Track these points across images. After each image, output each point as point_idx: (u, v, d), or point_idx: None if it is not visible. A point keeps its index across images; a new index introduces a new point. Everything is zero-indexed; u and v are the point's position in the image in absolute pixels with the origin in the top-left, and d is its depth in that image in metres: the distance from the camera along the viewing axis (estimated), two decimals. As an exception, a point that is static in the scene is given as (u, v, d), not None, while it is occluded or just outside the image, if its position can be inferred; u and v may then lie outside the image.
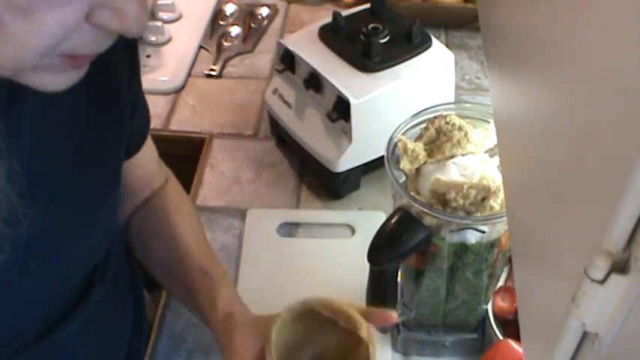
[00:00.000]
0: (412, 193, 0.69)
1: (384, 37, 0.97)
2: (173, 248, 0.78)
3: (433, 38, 0.99)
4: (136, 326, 0.85)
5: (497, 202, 0.66)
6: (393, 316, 0.69)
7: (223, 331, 0.70)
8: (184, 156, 1.08)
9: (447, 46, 1.01)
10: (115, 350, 0.80)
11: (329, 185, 1.01)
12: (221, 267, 0.77)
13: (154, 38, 1.29)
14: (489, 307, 0.81)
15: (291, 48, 0.98)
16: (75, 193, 0.62)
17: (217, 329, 0.71)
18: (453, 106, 0.78)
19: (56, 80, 0.46)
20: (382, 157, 0.72)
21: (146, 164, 0.80)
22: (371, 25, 0.98)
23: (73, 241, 0.64)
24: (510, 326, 0.80)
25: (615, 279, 0.26)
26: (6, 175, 0.48)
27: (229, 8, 1.39)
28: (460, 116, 0.74)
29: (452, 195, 0.67)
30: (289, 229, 0.99)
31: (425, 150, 0.73)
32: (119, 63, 0.65)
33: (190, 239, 0.79)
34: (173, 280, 0.79)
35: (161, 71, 1.23)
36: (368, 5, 1.03)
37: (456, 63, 1.00)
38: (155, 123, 1.13)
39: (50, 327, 0.67)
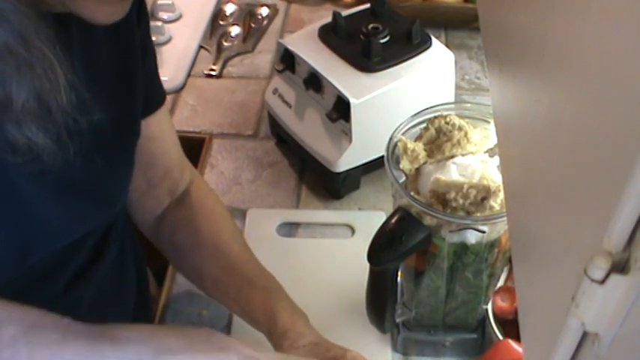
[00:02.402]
0: (412, 193, 0.69)
1: (384, 37, 0.97)
2: (218, 261, 0.78)
3: (433, 38, 0.99)
4: (140, 295, 0.86)
5: (497, 202, 0.66)
6: None
7: (279, 351, 0.69)
8: (184, 156, 1.08)
9: (447, 46, 1.01)
10: (122, 312, 0.81)
11: (329, 185, 1.01)
12: (271, 276, 0.77)
13: (154, 38, 1.28)
14: (489, 307, 0.81)
15: (291, 48, 0.98)
16: (109, 128, 0.65)
17: (275, 345, 0.70)
18: (453, 106, 0.78)
19: (103, 12, 0.53)
20: (382, 157, 0.72)
21: (159, 142, 0.79)
22: (371, 25, 0.98)
23: (107, 173, 0.67)
24: (510, 326, 0.80)
25: (615, 279, 0.26)
26: (70, 83, 0.54)
27: (229, 8, 1.39)
28: (460, 116, 0.74)
29: (452, 195, 0.67)
30: (289, 229, 0.99)
31: (425, 150, 0.73)
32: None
33: (235, 249, 0.78)
34: (221, 293, 0.78)
35: (161, 71, 1.20)
36: (368, 5, 1.04)
37: (456, 63, 1.00)
38: (155, 123, 1.13)
39: (74, 280, 0.69)
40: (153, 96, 0.77)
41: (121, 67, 0.68)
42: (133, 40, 0.68)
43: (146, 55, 0.73)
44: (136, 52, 0.69)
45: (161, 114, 0.79)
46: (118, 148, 0.69)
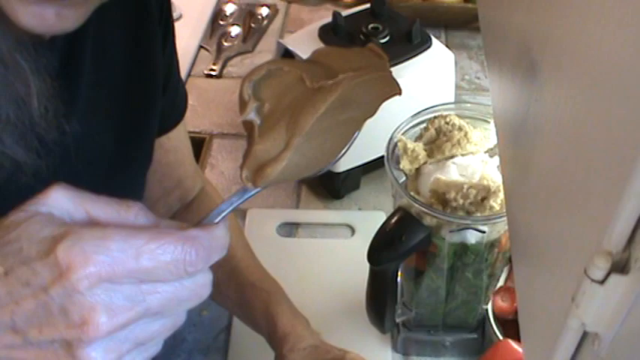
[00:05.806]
0: (412, 193, 0.69)
1: (384, 37, 0.97)
2: (221, 266, 0.76)
3: (433, 38, 0.99)
4: None
5: (497, 202, 0.66)
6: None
7: (280, 354, 0.69)
8: (184, 156, 1.08)
9: (447, 46, 1.01)
10: None
11: (329, 185, 1.01)
12: (273, 279, 0.77)
13: (154, 38, 1.29)
14: (489, 307, 0.81)
15: (291, 48, 0.98)
16: (120, 155, 0.64)
17: (276, 349, 0.71)
18: (453, 106, 0.78)
19: (46, 15, 0.44)
20: (382, 157, 0.72)
21: (177, 154, 0.79)
22: (371, 25, 0.98)
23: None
24: (510, 326, 0.80)
25: (615, 279, 0.26)
26: (51, 91, 0.50)
27: (229, 8, 1.39)
28: (460, 116, 0.74)
29: (452, 195, 0.67)
30: (289, 229, 0.99)
31: (425, 150, 0.73)
32: (154, 31, 0.65)
33: (238, 254, 0.78)
34: (223, 296, 0.78)
35: (161, 71, 1.23)
36: (368, 5, 1.03)
37: (456, 63, 1.00)
38: (155, 123, 1.13)
39: None
40: (175, 110, 0.76)
41: (137, 93, 0.66)
42: (155, 65, 0.66)
43: (170, 77, 0.71)
44: (157, 78, 0.68)
45: (181, 125, 0.78)
46: (130, 176, 0.68)
